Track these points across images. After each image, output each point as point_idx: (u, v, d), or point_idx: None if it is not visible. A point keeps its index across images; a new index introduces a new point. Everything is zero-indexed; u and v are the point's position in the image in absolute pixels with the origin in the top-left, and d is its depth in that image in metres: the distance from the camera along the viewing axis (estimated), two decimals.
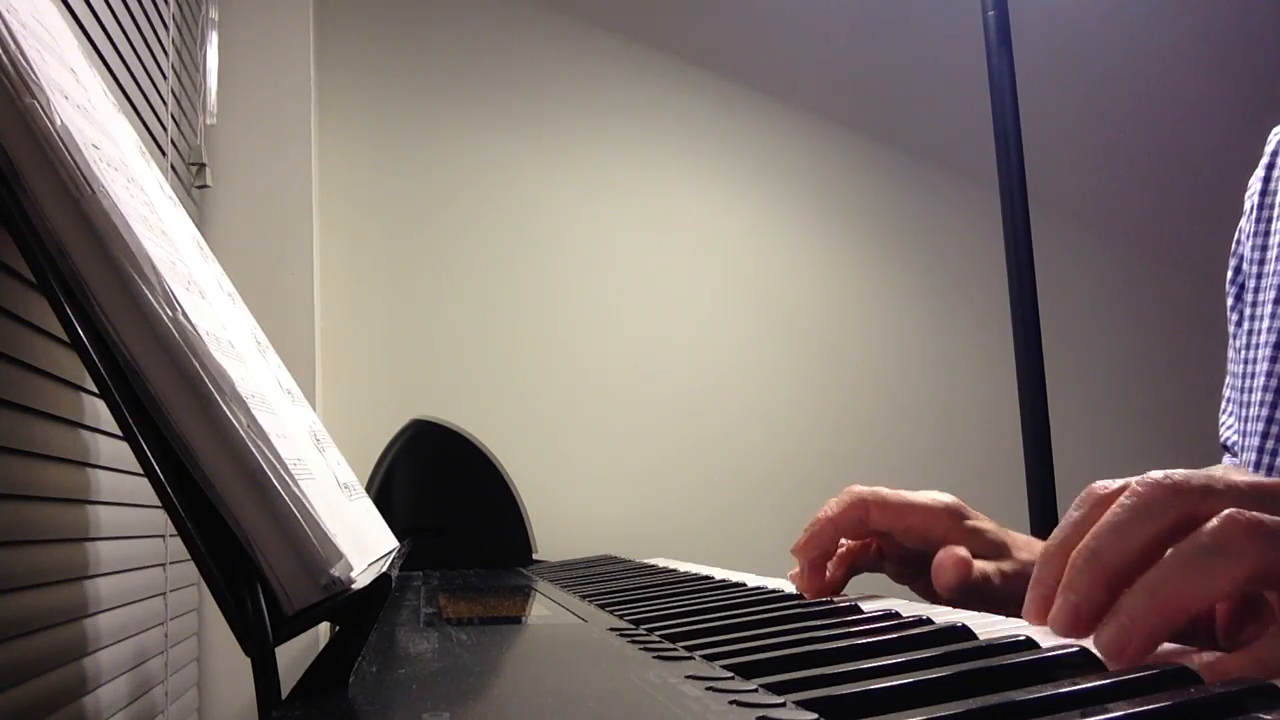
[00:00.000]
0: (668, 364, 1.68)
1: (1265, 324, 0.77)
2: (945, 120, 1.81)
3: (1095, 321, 1.84)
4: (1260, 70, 1.93)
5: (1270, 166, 0.82)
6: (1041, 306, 1.36)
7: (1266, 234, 0.80)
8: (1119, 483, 0.40)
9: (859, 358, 1.75)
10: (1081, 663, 0.35)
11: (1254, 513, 0.35)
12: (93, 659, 0.68)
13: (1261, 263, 0.80)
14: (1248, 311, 0.81)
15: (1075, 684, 0.30)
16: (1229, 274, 0.85)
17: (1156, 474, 0.39)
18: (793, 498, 1.68)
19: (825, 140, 1.78)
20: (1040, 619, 0.40)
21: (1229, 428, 0.84)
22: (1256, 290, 0.80)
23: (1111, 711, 0.27)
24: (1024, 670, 0.34)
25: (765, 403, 1.71)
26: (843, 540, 0.67)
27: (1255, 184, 0.83)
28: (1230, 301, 0.85)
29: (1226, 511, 0.35)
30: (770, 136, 1.76)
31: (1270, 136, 0.83)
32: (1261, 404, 0.75)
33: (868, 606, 0.53)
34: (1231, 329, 0.85)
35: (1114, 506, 0.39)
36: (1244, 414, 0.78)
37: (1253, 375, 0.78)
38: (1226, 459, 0.84)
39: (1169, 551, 0.36)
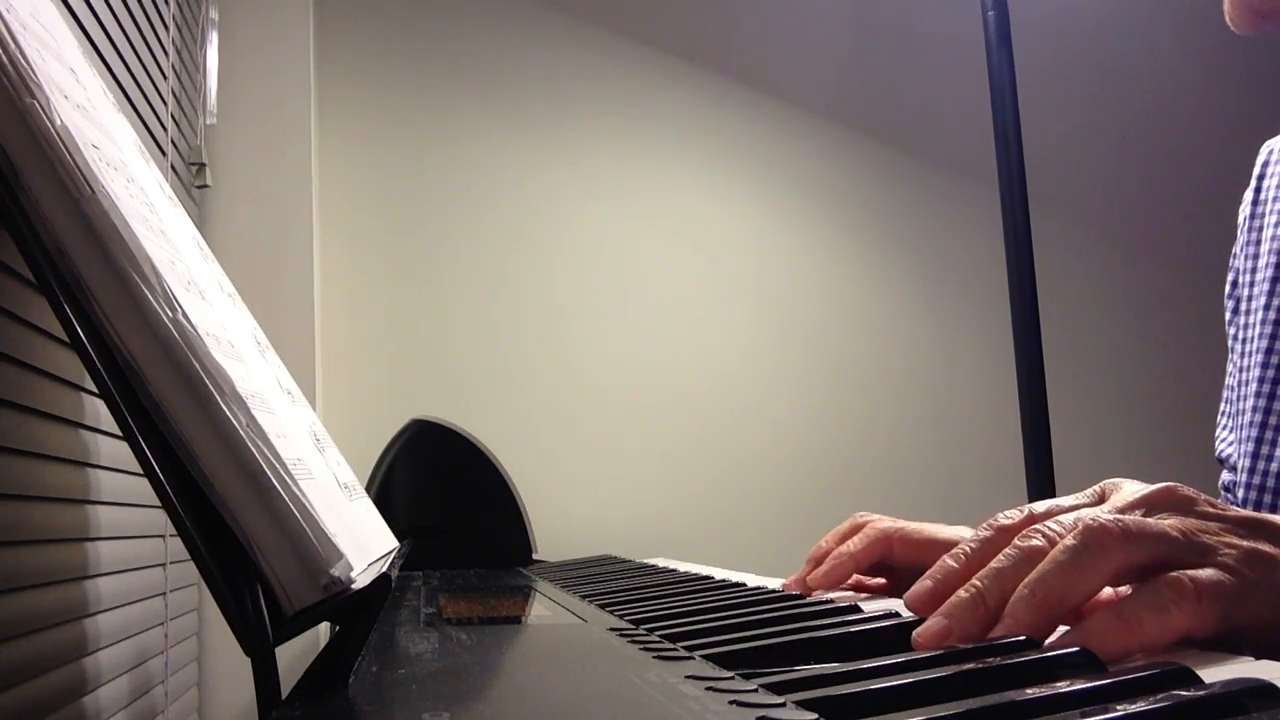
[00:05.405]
0: (668, 364, 1.68)
1: (1255, 330, 0.77)
2: (945, 120, 1.81)
3: (1095, 321, 1.84)
4: (1260, 70, 1.93)
5: (1260, 178, 0.83)
6: (1041, 306, 1.36)
7: (1258, 243, 0.80)
8: (1017, 518, 0.46)
9: (859, 357, 1.75)
10: (1081, 663, 0.35)
11: (1110, 515, 0.40)
12: (93, 659, 0.68)
13: (1254, 270, 0.80)
14: (1242, 320, 0.81)
15: (1075, 684, 0.30)
16: (1227, 288, 0.85)
17: (1036, 540, 0.42)
18: (793, 498, 1.68)
19: (826, 140, 1.78)
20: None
21: (1225, 441, 0.84)
22: (1249, 302, 0.80)
23: (1111, 711, 0.27)
24: (1024, 670, 0.34)
25: (765, 402, 1.71)
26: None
27: (1247, 198, 0.83)
28: (1228, 316, 0.85)
29: (1087, 518, 0.40)
30: (770, 136, 1.76)
31: (1260, 152, 0.83)
32: (1255, 410, 0.75)
33: (868, 606, 0.53)
34: (1230, 344, 0.85)
35: (999, 556, 0.43)
36: (1239, 421, 0.78)
37: (1245, 384, 0.78)
38: (1224, 475, 0.84)
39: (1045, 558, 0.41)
